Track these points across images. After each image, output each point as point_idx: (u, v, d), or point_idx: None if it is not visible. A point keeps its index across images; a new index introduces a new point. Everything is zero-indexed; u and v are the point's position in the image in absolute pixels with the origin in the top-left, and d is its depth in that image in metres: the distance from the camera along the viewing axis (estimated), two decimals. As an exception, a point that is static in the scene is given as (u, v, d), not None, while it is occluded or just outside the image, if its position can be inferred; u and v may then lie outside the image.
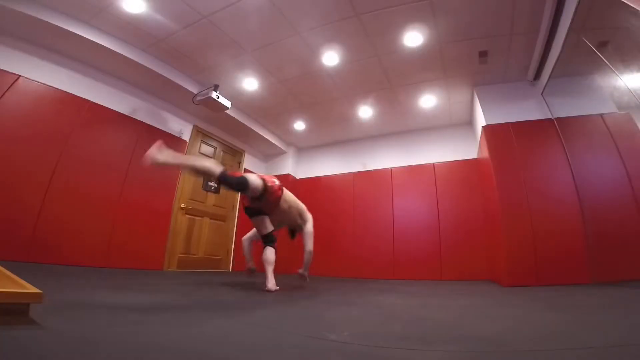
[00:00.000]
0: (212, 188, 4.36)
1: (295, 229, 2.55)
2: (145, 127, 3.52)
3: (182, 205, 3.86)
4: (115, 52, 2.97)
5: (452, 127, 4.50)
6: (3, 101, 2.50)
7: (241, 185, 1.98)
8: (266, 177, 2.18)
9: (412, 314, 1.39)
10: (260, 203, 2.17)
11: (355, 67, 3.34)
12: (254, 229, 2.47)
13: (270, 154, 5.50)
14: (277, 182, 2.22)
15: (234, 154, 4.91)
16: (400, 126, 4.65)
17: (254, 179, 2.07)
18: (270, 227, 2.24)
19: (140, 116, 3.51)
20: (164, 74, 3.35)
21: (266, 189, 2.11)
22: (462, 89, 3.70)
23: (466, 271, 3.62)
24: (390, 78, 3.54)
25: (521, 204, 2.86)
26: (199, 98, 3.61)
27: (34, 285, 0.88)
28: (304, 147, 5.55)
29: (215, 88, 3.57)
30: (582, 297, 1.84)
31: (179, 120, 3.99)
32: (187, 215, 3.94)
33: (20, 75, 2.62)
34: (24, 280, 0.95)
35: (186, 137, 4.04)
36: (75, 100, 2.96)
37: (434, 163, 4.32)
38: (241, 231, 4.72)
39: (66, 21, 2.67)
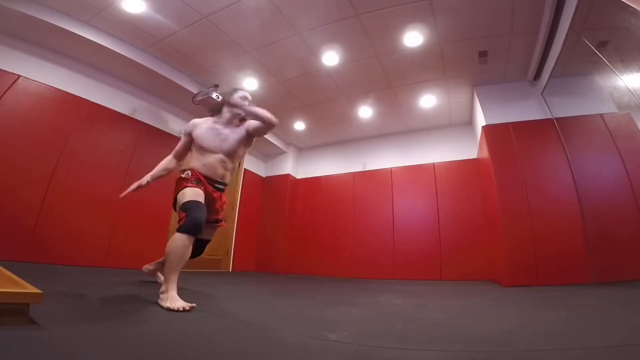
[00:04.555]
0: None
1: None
2: (145, 127, 3.52)
3: (182, 205, 3.85)
4: (115, 52, 2.97)
5: (452, 127, 4.50)
6: (3, 101, 2.50)
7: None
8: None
9: (412, 314, 1.39)
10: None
11: (355, 67, 3.34)
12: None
13: (270, 153, 5.49)
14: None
15: (234, 154, 4.90)
16: (400, 126, 4.65)
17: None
18: None
19: (140, 116, 3.51)
20: (164, 74, 3.35)
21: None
22: (462, 89, 3.70)
23: (466, 271, 3.62)
24: (390, 78, 3.53)
25: (521, 204, 2.86)
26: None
27: (34, 285, 0.88)
28: (304, 147, 5.55)
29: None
30: (582, 297, 1.84)
31: (179, 120, 3.99)
32: (187, 215, 3.93)
33: (20, 75, 2.62)
34: (24, 280, 0.94)
35: (186, 137, 4.03)
36: (75, 100, 2.96)
37: (434, 163, 4.32)
38: (241, 231, 4.73)
39: (66, 21, 2.67)
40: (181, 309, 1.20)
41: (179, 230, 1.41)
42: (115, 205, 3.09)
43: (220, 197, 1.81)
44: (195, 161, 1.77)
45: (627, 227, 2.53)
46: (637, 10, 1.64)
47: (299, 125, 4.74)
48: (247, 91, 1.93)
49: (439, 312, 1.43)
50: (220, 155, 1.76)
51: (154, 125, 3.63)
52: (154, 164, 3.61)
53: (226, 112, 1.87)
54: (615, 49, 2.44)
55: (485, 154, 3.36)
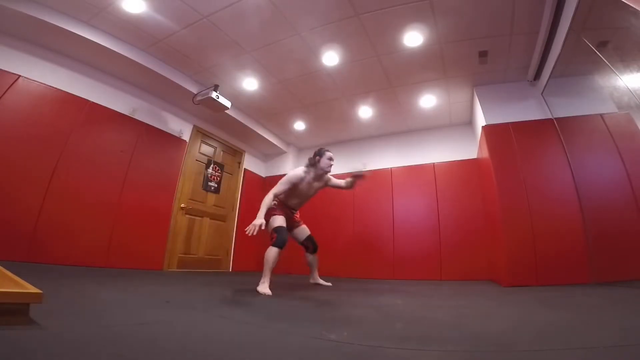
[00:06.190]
0: (212, 188, 4.36)
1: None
2: (145, 127, 3.52)
3: (182, 205, 3.86)
4: (115, 52, 2.97)
5: (452, 127, 4.50)
6: (3, 101, 2.50)
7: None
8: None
9: (412, 314, 1.39)
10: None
11: (355, 67, 3.34)
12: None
13: (270, 154, 5.50)
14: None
15: (234, 154, 4.91)
16: (400, 126, 4.65)
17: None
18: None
19: (140, 116, 3.51)
20: (164, 74, 3.35)
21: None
22: (462, 89, 3.70)
23: (466, 271, 3.62)
24: (390, 78, 3.53)
25: (521, 204, 2.86)
26: (199, 98, 3.61)
27: (34, 285, 0.88)
28: (304, 147, 5.55)
29: (215, 88, 3.57)
30: (582, 297, 1.84)
31: (179, 120, 3.99)
32: (187, 215, 3.93)
33: (20, 75, 2.62)
34: (24, 280, 0.94)
35: (186, 137, 4.04)
36: (75, 100, 2.96)
37: (434, 163, 4.31)
38: (241, 231, 4.73)
39: (66, 21, 2.67)
40: (264, 294, 1.87)
41: (273, 245, 2.13)
42: (115, 205, 3.09)
43: (295, 214, 2.60)
44: (282, 195, 2.37)
45: (627, 227, 2.53)
46: (637, 10, 1.64)
47: (299, 125, 4.74)
48: (330, 151, 2.51)
49: (439, 312, 1.43)
50: (304, 199, 2.54)
51: (154, 125, 3.63)
52: (154, 164, 3.66)
53: (318, 170, 2.42)
54: (615, 49, 2.44)
55: (485, 154, 3.36)
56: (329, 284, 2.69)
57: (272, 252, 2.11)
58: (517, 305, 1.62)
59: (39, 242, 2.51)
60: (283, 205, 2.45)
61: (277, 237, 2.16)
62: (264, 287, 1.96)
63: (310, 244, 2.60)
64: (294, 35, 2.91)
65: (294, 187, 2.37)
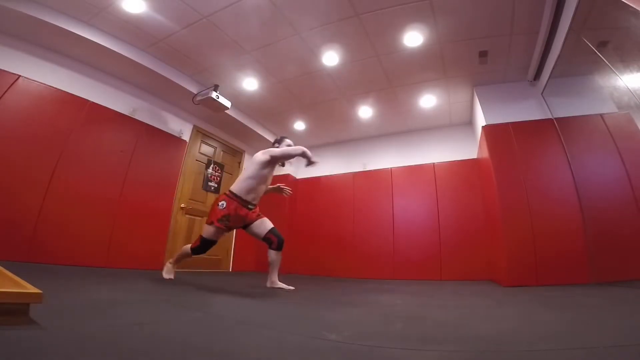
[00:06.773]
0: (212, 188, 4.35)
1: None
2: (145, 127, 3.51)
3: (182, 205, 3.85)
4: (115, 52, 2.97)
5: (452, 127, 4.50)
6: (3, 101, 2.50)
7: None
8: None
9: (412, 314, 1.39)
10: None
11: (355, 67, 3.34)
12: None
13: (270, 154, 5.49)
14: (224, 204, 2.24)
15: (234, 154, 4.91)
16: (400, 126, 4.65)
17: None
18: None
19: (140, 116, 3.51)
20: (164, 74, 3.35)
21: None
22: (462, 89, 3.70)
23: (466, 271, 3.62)
24: (390, 78, 3.53)
25: (521, 204, 2.86)
26: (199, 98, 3.61)
27: (34, 285, 0.88)
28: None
29: (215, 88, 3.57)
30: (582, 297, 1.84)
31: (179, 120, 3.99)
32: (187, 215, 3.93)
33: (20, 75, 2.62)
34: (24, 280, 0.94)
35: (186, 137, 4.04)
36: (75, 100, 2.96)
37: (434, 163, 4.32)
38: (242, 231, 4.72)
39: (66, 21, 2.67)
40: (166, 278, 2.33)
41: (191, 247, 2.30)
42: (115, 205, 3.09)
43: (252, 211, 2.31)
44: (242, 185, 2.26)
45: (627, 227, 2.53)
46: (637, 10, 1.64)
47: (299, 125, 4.74)
48: (289, 139, 2.58)
49: (439, 312, 1.43)
50: (263, 191, 2.37)
51: (154, 125, 3.63)
52: (154, 164, 3.66)
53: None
54: (615, 49, 2.44)
55: (485, 154, 3.36)
56: (292, 287, 2.24)
57: (186, 251, 2.33)
58: (517, 305, 1.62)
59: (39, 242, 2.51)
60: (238, 202, 2.20)
61: (198, 246, 2.26)
62: (167, 272, 2.40)
63: (275, 238, 2.22)
64: (294, 35, 2.91)
65: (268, 171, 2.34)
